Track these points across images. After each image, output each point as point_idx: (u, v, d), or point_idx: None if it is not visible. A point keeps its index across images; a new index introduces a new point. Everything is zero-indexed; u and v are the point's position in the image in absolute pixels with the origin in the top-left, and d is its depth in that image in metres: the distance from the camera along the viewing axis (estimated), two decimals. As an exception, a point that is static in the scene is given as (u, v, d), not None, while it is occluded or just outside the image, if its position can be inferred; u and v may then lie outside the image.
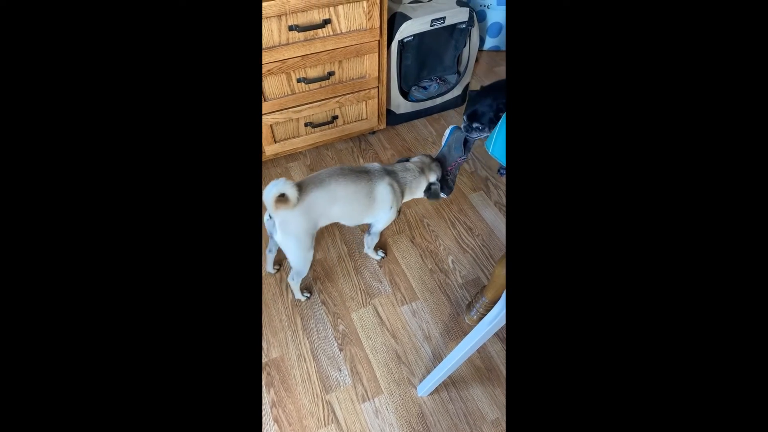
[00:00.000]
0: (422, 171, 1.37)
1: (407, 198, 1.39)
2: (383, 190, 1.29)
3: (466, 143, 1.55)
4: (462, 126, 1.59)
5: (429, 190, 1.39)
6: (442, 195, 1.43)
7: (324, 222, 1.26)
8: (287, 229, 1.18)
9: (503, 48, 2.49)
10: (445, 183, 1.44)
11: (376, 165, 1.33)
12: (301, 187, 1.17)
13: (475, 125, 1.55)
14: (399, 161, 1.41)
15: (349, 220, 1.33)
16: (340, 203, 1.24)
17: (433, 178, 1.39)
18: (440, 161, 1.47)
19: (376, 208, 1.31)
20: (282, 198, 1.12)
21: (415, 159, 1.41)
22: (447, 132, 1.49)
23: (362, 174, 1.27)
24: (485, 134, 1.58)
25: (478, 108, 1.54)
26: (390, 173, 1.32)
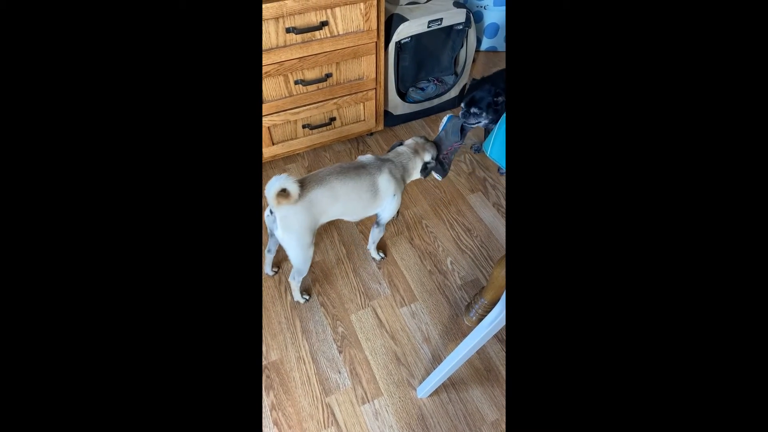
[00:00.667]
0: (416, 152, 1.37)
1: (407, 180, 1.39)
2: (383, 180, 1.29)
3: (463, 130, 1.53)
4: (460, 113, 1.59)
5: (425, 169, 1.39)
6: (437, 176, 1.42)
7: (325, 219, 1.26)
8: (288, 225, 1.19)
9: (500, 49, 2.49)
10: (441, 166, 1.44)
11: (369, 157, 1.33)
12: (302, 184, 1.17)
13: (473, 110, 1.55)
14: (394, 145, 1.41)
15: (353, 216, 1.33)
16: (342, 201, 1.24)
17: (428, 157, 1.38)
18: (436, 143, 1.46)
19: (379, 200, 1.32)
20: (283, 193, 1.12)
21: (408, 141, 1.40)
22: (444, 120, 1.48)
23: (360, 169, 1.27)
24: (483, 120, 1.58)
25: (475, 94, 1.54)
26: (385, 161, 1.32)
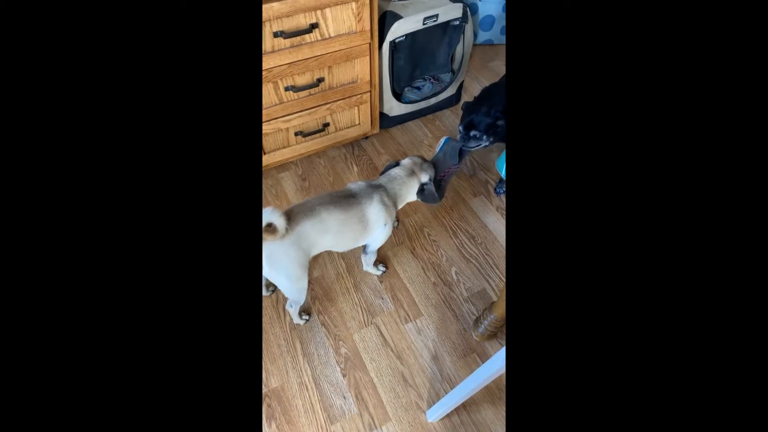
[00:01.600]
0: (412, 173, 1.29)
1: (400, 206, 1.32)
2: (374, 209, 1.21)
3: (461, 153, 1.47)
4: (458, 136, 1.52)
5: (422, 192, 1.31)
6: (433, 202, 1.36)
7: (315, 252, 1.18)
8: (275, 262, 1.09)
9: (496, 41, 2.41)
10: (437, 188, 1.37)
11: (360, 184, 1.25)
12: (289, 216, 1.09)
13: (472, 133, 1.48)
14: (389, 166, 1.33)
15: (343, 247, 1.25)
16: (332, 232, 1.16)
17: (425, 178, 1.30)
18: (434, 165, 1.39)
19: (370, 230, 1.24)
20: (269, 228, 1.03)
21: (405, 161, 1.33)
22: (441, 141, 1.41)
23: (351, 199, 1.19)
24: (483, 143, 1.51)
25: (474, 117, 1.47)
26: (377, 188, 1.24)
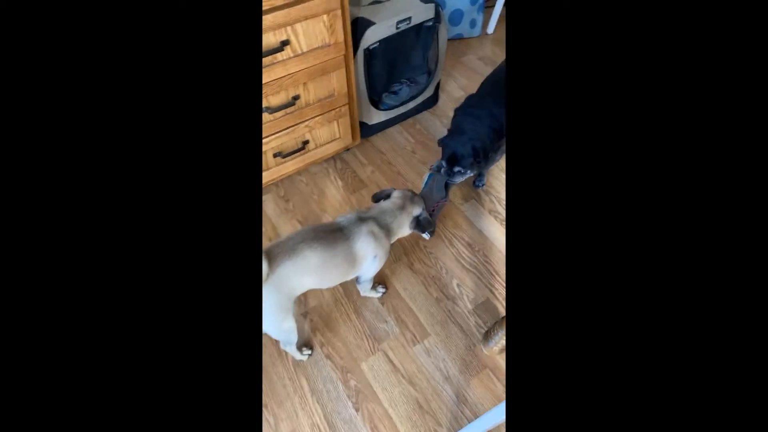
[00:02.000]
0: (403, 207, 1.24)
1: (393, 239, 1.26)
2: (362, 241, 1.15)
3: (447, 186, 1.43)
4: (442, 171, 1.46)
5: (418, 224, 1.26)
6: (425, 236, 1.30)
7: (299, 292, 1.11)
8: None
9: (466, 35, 2.36)
10: (428, 223, 1.32)
11: (350, 216, 1.18)
12: (269, 256, 1.01)
13: (456, 169, 1.43)
14: (379, 196, 1.28)
15: (328, 285, 1.19)
16: (316, 271, 1.09)
17: (417, 211, 1.25)
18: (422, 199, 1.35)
19: (358, 265, 1.18)
20: None
21: (396, 194, 1.27)
22: (426, 177, 1.36)
23: (337, 233, 1.12)
24: (467, 176, 1.47)
25: (456, 151, 1.41)
26: (366, 220, 1.17)
